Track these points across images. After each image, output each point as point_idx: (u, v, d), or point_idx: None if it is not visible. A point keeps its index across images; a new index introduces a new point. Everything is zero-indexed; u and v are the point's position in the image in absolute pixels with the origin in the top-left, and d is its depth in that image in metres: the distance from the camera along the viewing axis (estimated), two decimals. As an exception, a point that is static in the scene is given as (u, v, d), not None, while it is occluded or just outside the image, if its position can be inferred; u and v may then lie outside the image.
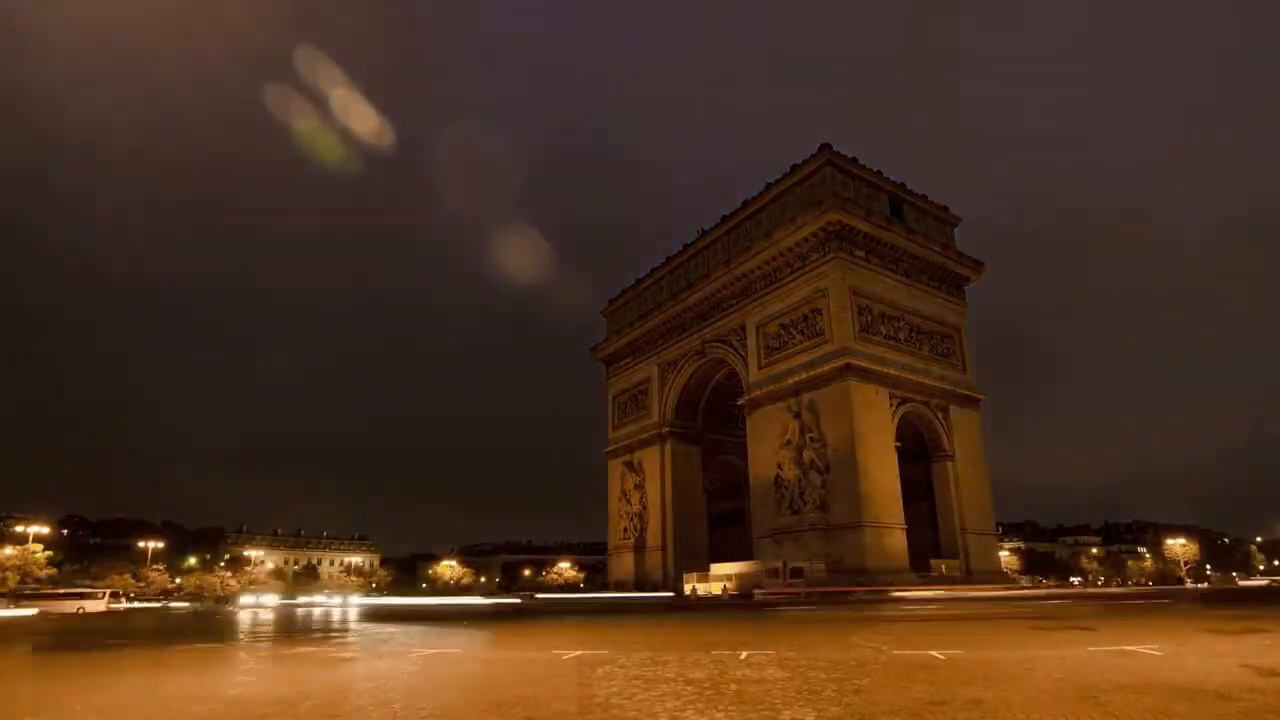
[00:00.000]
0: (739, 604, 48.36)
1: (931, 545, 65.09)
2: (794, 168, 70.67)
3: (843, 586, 52.67)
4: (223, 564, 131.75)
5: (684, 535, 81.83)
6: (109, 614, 57.04)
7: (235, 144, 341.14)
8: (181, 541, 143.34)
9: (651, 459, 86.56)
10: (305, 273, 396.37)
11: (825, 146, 68.13)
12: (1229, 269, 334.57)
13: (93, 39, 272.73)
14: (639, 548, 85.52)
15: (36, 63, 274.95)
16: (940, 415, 67.58)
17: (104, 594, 65.19)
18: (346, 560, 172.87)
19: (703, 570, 67.39)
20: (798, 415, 64.02)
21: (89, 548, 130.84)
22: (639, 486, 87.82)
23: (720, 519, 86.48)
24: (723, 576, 62.65)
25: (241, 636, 26.40)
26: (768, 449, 66.99)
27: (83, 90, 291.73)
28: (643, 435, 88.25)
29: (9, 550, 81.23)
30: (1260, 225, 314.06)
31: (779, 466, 65.28)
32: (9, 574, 77.48)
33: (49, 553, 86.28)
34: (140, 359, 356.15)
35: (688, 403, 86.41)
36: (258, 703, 9.55)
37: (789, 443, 64.47)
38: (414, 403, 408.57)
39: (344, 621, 36.30)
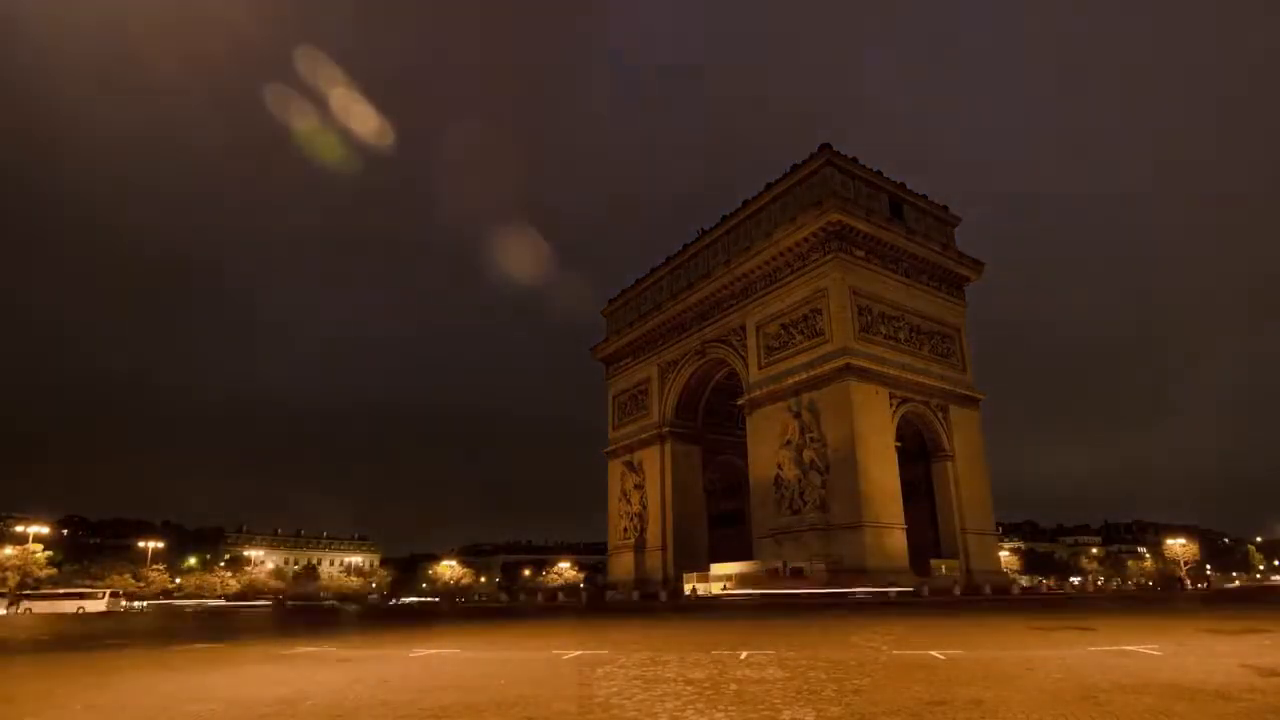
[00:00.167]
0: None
1: (931, 545, 65.09)
2: (794, 167, 70.69)
3: (844, 586, 52.73)
4: (223, 564, 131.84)
5: (684, 535, 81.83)
6: (108, 614, 57.07)
7: (235, 144, 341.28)
8: (181, 541, 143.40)
9: (651, 459, 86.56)
10: (305, 272, 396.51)
11: (825, 146, 68.16)
12: (1228, 269, 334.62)
13: (92, 39, 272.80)
14: (639, 548, 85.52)
15: (36, 62, 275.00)
16: (940, 415, 67.58)
17: (104, 594, 65.25)
18: (346, 560, 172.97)
19: (703, 570, 67.40)
20: (798, 415, 64.03)
21: (89, 548, 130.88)
22: (639, 486, 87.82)
23: (720, 519, 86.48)
24: (723, 576, 62.66)
25: (241, 636, 26.41)
26: (768, 449, 66.99)
27: (82, 90, 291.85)
28: (643, 435, 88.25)
29: (9, 550, 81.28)
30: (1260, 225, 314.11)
31: (779, 466, 65.28)
32: (9, 574, 77.51)
33: (49, 553, 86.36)
34: (140, 359, 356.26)
35: (688, 403, 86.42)
36: (258, 703, 9.55)
37: (789, 443, 64.47)
38: (414, 402, 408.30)
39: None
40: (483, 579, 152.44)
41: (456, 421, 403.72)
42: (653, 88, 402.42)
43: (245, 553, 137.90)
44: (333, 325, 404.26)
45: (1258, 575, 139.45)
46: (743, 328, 74.04)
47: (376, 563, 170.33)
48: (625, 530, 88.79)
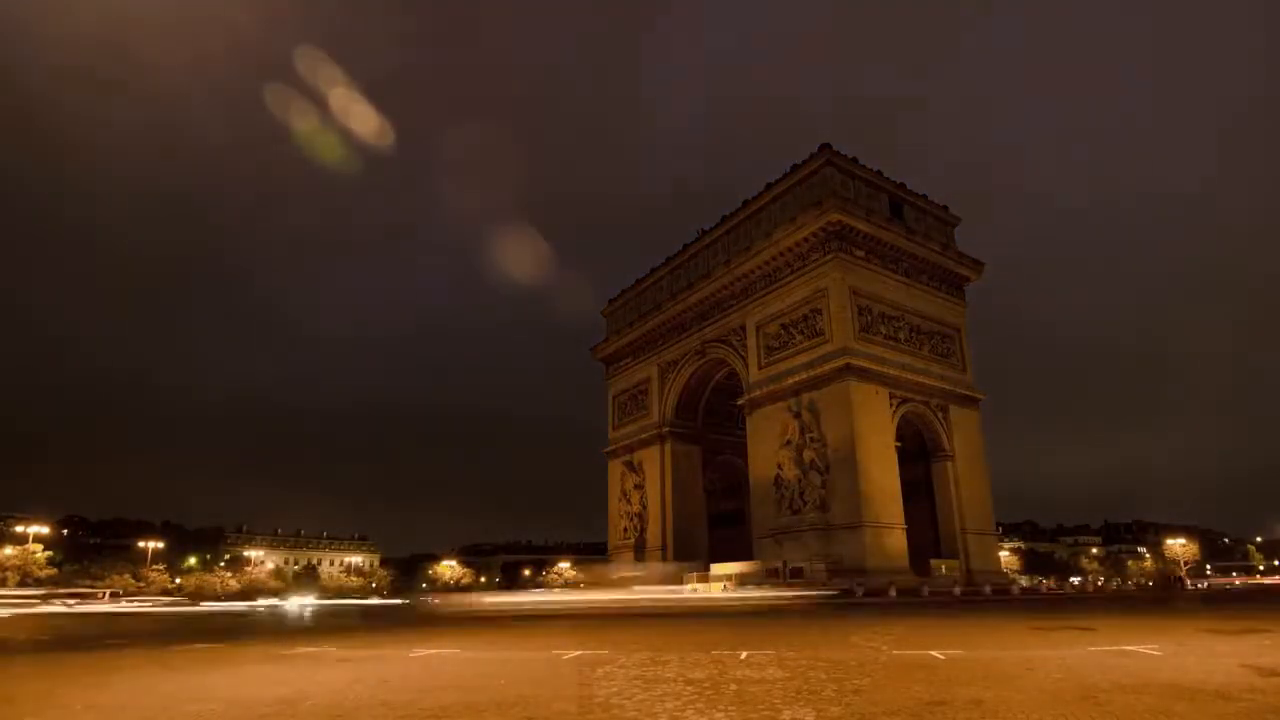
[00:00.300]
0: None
1: (931, 545, 65.08)
2: (794, 168, 70.67)
3: (843, 586, 52.71)
4: (223, 564, 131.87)
5: (684, 535, 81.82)
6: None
7: (234, 143, 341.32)
8: (181, 541, 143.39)
9: (651, 459, 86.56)
10: (304, 272, 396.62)
11: (825, 146, 68.15)
12: (1228, 267, 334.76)
13: (91, 38, 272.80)
14: (639, 548, 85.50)
15: (35, 62, 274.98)
16: (940, 415, 67.58)
17: (104, 594, 65.22)
18: (346, 560, 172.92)
19: (703, 570, 67.39)
20: (798, 415, 64.02)
21: (89, 548, 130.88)
22: (639, 486, 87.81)
23: (720, 519, 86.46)
24: (723, 577, 62.62)
25: (240, 636, 26.40)
26: (768, 449, 66.99)
27: (81, 90, 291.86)
28: (643, 435, 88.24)
29: (9, 550, 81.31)
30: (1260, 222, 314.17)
31: (779, 466, 65.28)
32: (9, 574, 77.54)
33: (49, 553, 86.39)
34: (140, 359, 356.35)
35: (688, 403, 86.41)
36: (258, 703, 9.55)
37: (789, 443, 64.47)
38: (414, 402, 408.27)
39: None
40: (483, 579, 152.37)
41: (456, 421, 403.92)
42: (654, 87, 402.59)
43: (245, 553, 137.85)
44: (333, 325, 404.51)
45: (1258, 574, 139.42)
46: (743, 328, 74.04)
47: (376, 563, 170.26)
48: (625, 530, 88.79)
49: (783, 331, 68.86)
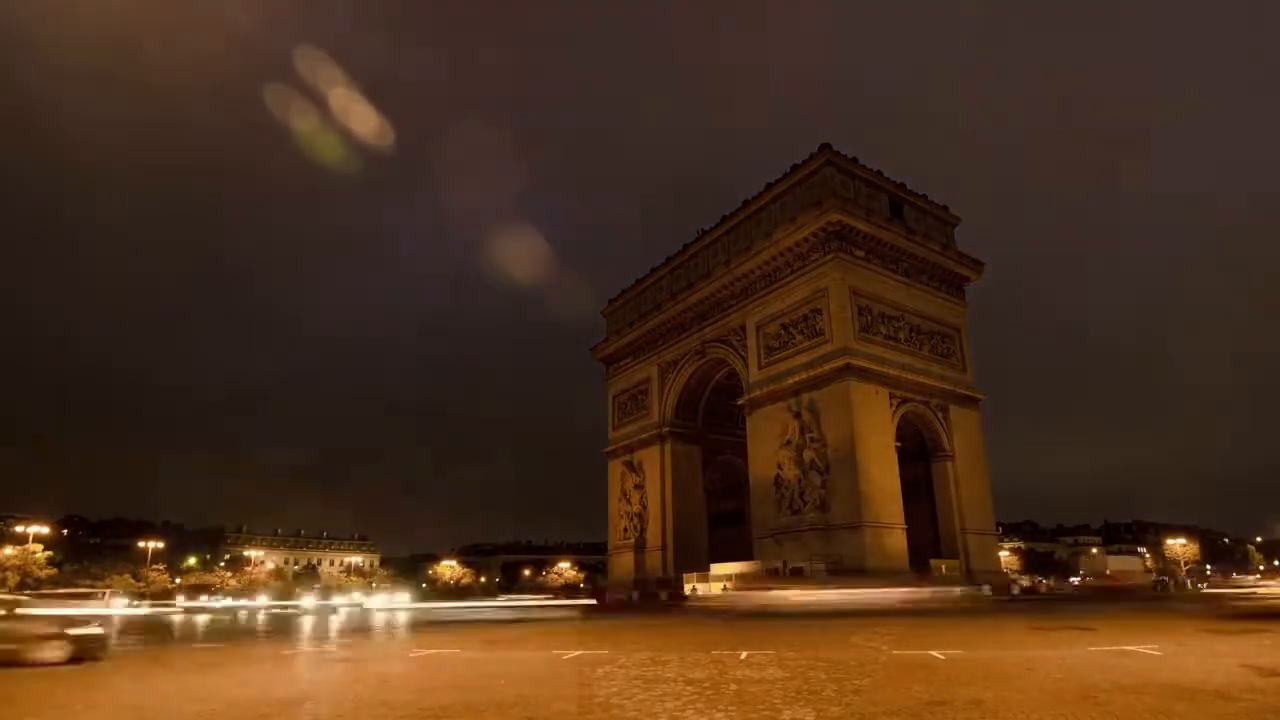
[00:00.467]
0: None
1: (931, 545, 65.04)
2: (794, 168, 70.62)
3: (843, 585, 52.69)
4: (223, 564, 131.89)
5: (684, 535, 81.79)
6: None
7: (235, 143, 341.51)
8: (181, 541, 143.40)
9: (651, 459, 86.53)
10: (304, 272, 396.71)
11: (825, 146, 68.12)
12: (1227, 268, 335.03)
13: (91, 38, 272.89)
14: (639, 548, 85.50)
15: (35, 62, 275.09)
16: (940, 415, 67.55)
17: (104, 594, 65.14)
18: (346, 560, 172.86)
19: (703, 570, 67.35)
20: (798, 415, 64.00)
21: (89, 548, 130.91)
22: (639, 486, 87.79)
23: (720, 519, 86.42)
24: (723, 576, 62.58)
25: (241, 637, 26.40)
26: (768, 449, 66.97)
27: (81, 90, 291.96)
28: (643, 435, 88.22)
29: (9, 550, 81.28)
30: (1259, 223, 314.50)
31: (779, 466, 65.25)
32: (9, 574, 77.52)
33: (49, 553, 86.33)
34: (140, 359, 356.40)
35: (688, 403, 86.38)
36: (258, 703, 9.56)
37: (789, 443, 64.45)
38: (414, 403, 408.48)
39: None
40: (483, 579, 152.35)
41: (456, 421, 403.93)
42: (657, 88, 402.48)
43: (245, 553, 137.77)
44: (333, 325, 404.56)
45: (1259, 574, 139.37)
46: (743, 328, 74.02)
47: (376, 563, 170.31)
48: (625, 530, 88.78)
49: (783, 331, 68.85)
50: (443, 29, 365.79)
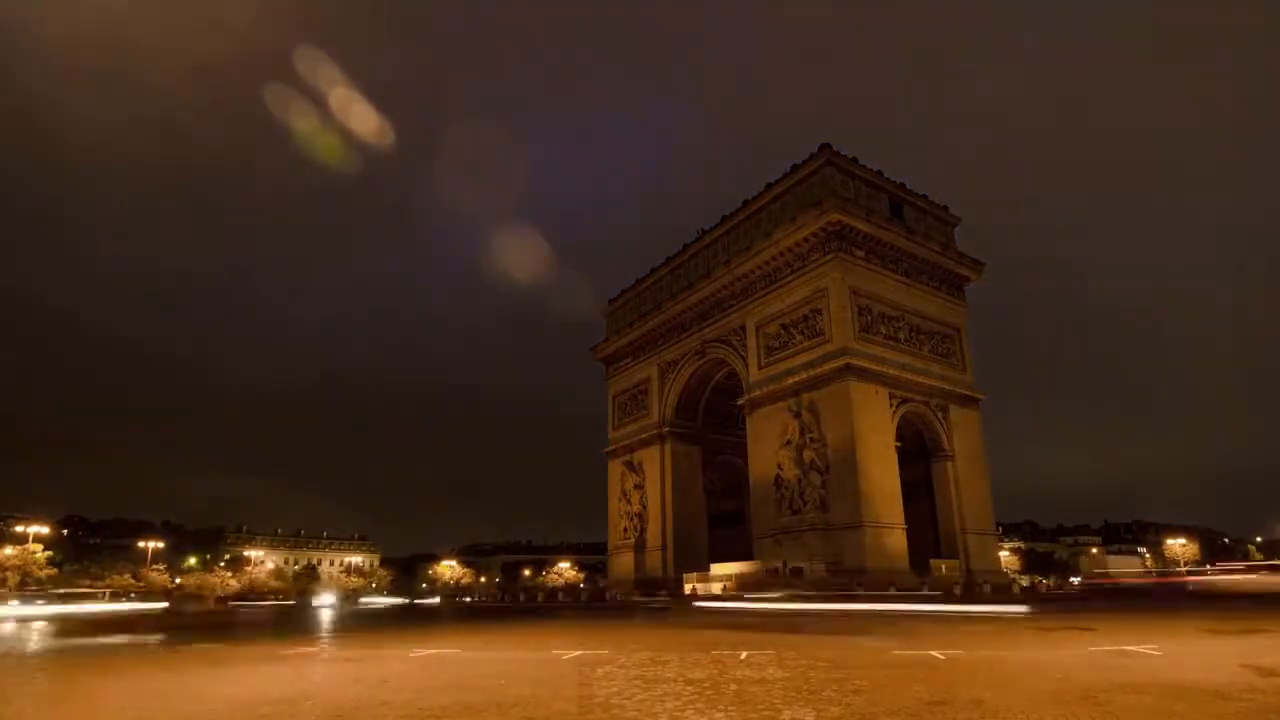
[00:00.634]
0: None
1: (931, 545, 65.06)
2: (794, 168, 70.64)
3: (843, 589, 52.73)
4: (223, 564, 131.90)
5: (684, 535, 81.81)
6: None
7: (234, 143, 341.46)
8: (181, 541, 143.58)
9: (651, 459, 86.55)
10: (305, 273, 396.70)
11: (825, 146, 68.13)
12: (1227, 267, 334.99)
13: (90, 38, 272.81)
14: (639, 548, 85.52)
15: (35, 62, 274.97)
16: (940, 415, 67.56)
17: (105, 594, 65.27)
18: (346, 560, 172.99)
19: (703, 570, 67.38)
20: (798, 415, 64.01)
21: (89, 548, 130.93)
22: (639, 486, 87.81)
23: (720, 519, 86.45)
24: (723, 576, 62.63)
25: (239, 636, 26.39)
26: (768, 449, 66.98)
27: (80, 90, 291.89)
28: (643, 435, 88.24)
29: (9, 550, 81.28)
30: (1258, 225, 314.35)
31: (779, 466, 65.27)
32: (9, 574, 77.53)
33: (49, 553, 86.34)
34: (140, 359, 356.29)
35: (688, 403, 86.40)
36: (258, 703, 9.55)
37: (789, 443, 64.46)
38: (413, 402, 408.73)
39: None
40: (483, 579, 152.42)
41: (457, 421, 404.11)
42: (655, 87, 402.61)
43: (245, 553, 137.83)
44: (332, 323, 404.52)
45: (1244, 565, 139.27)
46: (743, 328, 74.04)
47: (376, 563, 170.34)
48: (625, 530, 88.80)
49: (783, 331, 68.86)
50: (443, 28, 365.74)
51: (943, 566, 61.97)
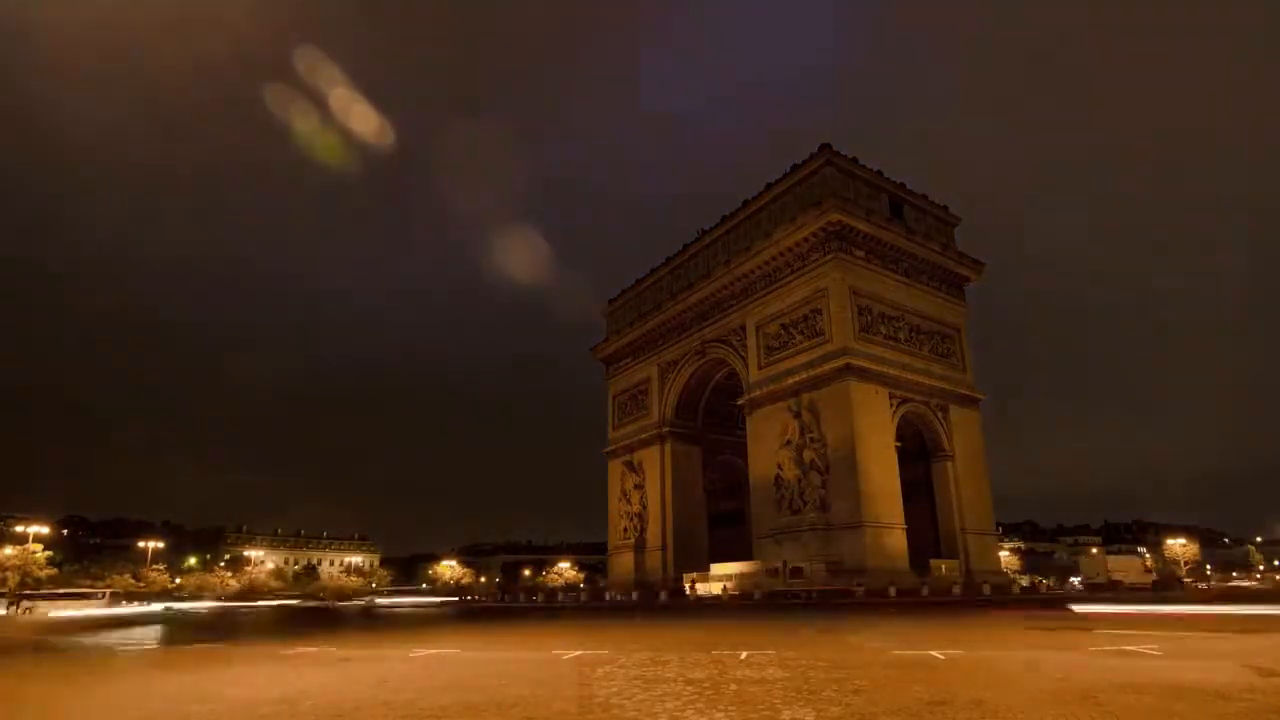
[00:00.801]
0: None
1: (931, 545, 65.05)
2: (794, 168, 70.64)
3: (842, 586, 52.73)
4: (223, 564, 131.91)
5: (684, 535, 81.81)
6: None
7: (234, 143, 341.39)
8: (181, 541, 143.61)
9: (651, 459, 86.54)
10: (305, 274, 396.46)
11: (825, 146, 68.13)
12: (1226, 269, 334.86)
13: (89, 38, 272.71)
14: (639, 548, 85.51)
15: (34, 62, 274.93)
16: (940, 415, 67.55)
17: (104, 594, 65.24)
18: (346, 560, 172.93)
19: (703, 570, 67.36)
20: (798, 415, 64.00)
21: (89, 548, 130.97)
22: (639, 486, 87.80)
23: (720, 519, 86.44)
24: (723, 576, 62.59)
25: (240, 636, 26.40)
26: (768, 449, 66.97)
27: (80, 90, 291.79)
28: (643, 435, 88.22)
29: (9, 550, 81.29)
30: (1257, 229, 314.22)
31: (779, 466, 65.26)
32: (9, 574, 77.52)
33: (49, 553, 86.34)
34: (139, 358, 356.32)
35: (688, 403, 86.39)
36: (258, 703, 9.55)
37: (789, 443, 64.46)
38: (413, 403, 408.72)
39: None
40: (483, 579, 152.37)
41: (456, 421, 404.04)
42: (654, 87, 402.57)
43: (245, 553, 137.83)
44: (332, 322, 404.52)
45: (1258, 574, 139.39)
46: (743, 328, 74.03)
47: (376, 563, 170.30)
48: (625, 530, 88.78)
49: (783, 331, 68.85)
50: (443, 27, 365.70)
51: (943, 567, 61.97)
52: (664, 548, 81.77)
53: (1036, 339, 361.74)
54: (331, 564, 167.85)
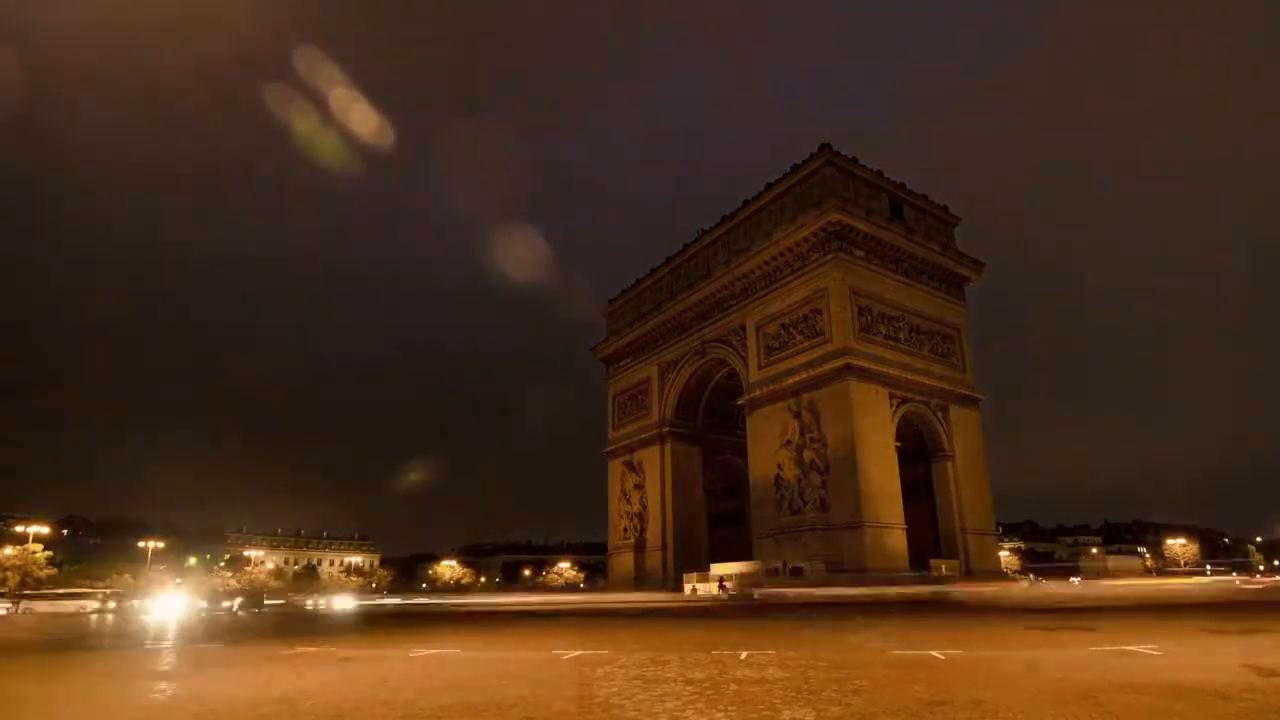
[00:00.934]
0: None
1: (931, 545, 65.07)
2: (794, 168, 70.65)
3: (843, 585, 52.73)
4: (223, 564, 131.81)
5: (684, 535, 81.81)
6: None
7: (234, 143, 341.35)
8: (181, 541, 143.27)
9: (651, 459, 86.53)
10: (305, 274, 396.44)
11: (825, 147, 68.13)
12: (1225, 270, 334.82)
13: (89, 38, 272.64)
14: (639, 548, 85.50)
15: (34, 62, 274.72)
16: (940, 415, 67.56)
17: (103, 594, 65.08)
18: (346, 560, 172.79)
19: (703, 570, 67.37)
20: (798, 415, 64.01)
21: (89, 548, 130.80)
22: (639, 486, 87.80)
23: (720, 519, 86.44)
24: (723, 576, 62.59)
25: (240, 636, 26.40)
26: (768, 449, 66.97)
27: (80, 90, 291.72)
28: (643, 435, 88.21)
29: (9, 550, 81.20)
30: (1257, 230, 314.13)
31: (779, 466, 65.27)
32: (9, 574, 77.44)
33: (49, 553, 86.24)
34: (140, 358, 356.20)
35: (688, 403, 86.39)
36: (258, 703, 9.54)
37: (789, 443, 64.46)
38: (414, 402, 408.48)
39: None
40: (483, 579, 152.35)
41: (456, 421, 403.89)
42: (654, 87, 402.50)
43: (245, 553, 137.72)
44: (332, 322, 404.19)
45: (1258, 574, 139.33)
46: (743, 328, 74.02)
47: (376, 563, 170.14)
48: (625, 530, 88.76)
49: (783, 331, 68.84)
50: (443, 27, 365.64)
51: (943, 566, 61.98)
52: (664, 548, 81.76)
53: (1036, 339, 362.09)
54: (331, 564, 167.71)
